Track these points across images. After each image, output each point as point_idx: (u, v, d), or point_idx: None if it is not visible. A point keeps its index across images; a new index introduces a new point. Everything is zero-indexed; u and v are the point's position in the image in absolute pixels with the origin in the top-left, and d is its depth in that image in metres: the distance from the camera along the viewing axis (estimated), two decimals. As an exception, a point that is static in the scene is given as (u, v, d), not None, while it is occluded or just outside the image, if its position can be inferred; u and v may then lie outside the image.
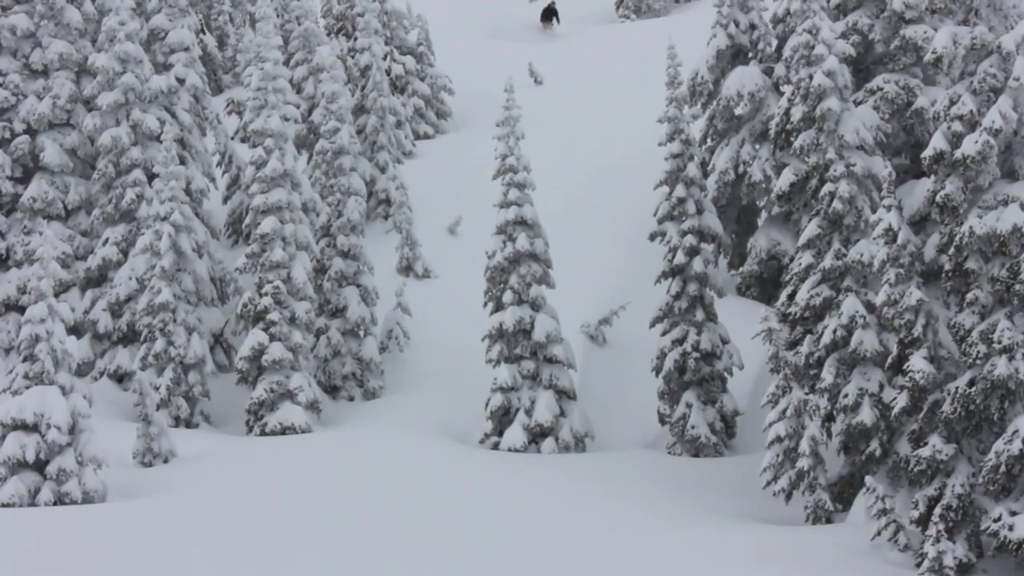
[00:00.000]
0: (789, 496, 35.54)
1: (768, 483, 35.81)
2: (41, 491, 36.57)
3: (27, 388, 37.16)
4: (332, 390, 49.50)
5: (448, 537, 32.19)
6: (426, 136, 68.07)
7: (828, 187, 37.20)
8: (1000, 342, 29.12)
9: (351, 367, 49.45)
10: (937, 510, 29.92)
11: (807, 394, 35.71)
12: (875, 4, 42.87)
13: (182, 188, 48.43)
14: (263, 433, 45.50)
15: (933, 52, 33.19)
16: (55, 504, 36.42)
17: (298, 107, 58.23)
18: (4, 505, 36.11)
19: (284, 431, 45.25)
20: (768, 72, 49.96)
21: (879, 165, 37.48)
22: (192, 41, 57.04)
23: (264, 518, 33.40)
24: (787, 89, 40.86)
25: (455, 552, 30.81)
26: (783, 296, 38.52)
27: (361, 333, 49.75)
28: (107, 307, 50.44)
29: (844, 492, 35.97)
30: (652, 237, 45.49)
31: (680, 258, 44.01)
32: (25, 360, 37.39)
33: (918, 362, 31.18)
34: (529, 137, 47.17)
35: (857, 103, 40.84)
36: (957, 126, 31.50)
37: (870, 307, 35.59)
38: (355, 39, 64.28)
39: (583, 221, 56.01)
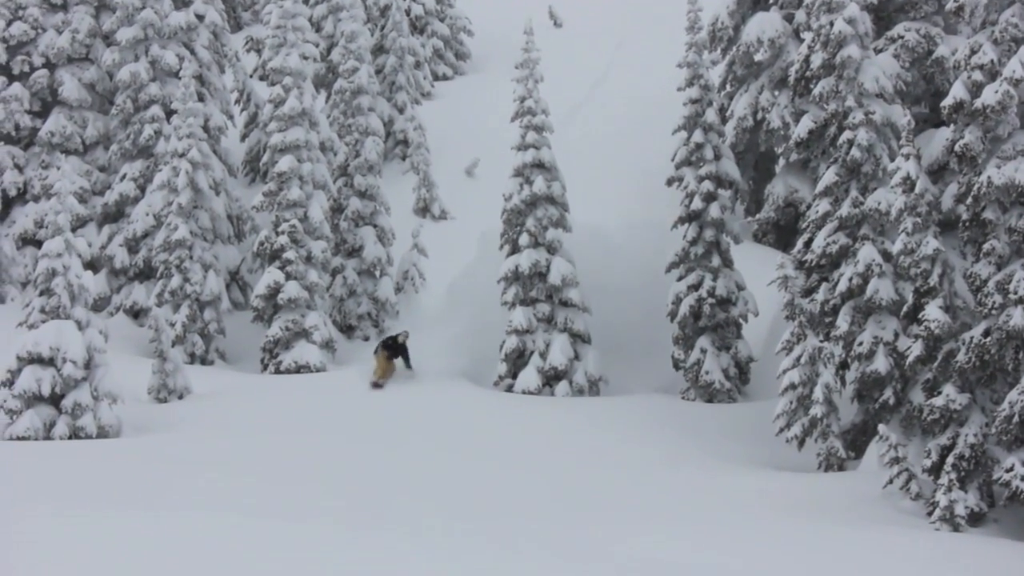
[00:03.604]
0: (802, 443, 35.58)
1: (781, 430, 35.85)
2: (56, 425, 36.72)
3: (43, 322, 37.26)
4: (347, 329, 49.59)
5: (457, 476, 32.26)
6: (444, 77, 67.93)
7: (846, 135, 37.06)
8: (1016, 292, 29.10)
9: (366, 307, 49.52)
10: (949, 459, 29.98)
11: (822, 342, 35.72)
12: (898, -49, 42.66)
13: (200, 125, 48.41)
14: (278, 371, 45.64)
15: (955, 0, 33.01)
16: (70, 438, 36.58)
17: (317, 46, 58.10)
18: (20, 438, 36.27)
19: (299, 369, 45.38)
20: (789, 18, 49.70)
21: (898, 113, 37.30)
22: (212, -22, 56.92)
23: (277, 455, 33.50)
24: (807, 36, 40.69)
25: (463, 490, 30.88)
26: (799, 243, 38.42)
27: (377, 273, 49.77)
28: (124, 243, 50.56)
29: (857, 440, 36.03)
30: (669, 182, 45.45)
31: (697, 204, 43.93)
32: (42, 294, 37.48)
33: (933, 311, 31.15)
34: (548, 80, 47.02)
35: (877, 51, 40.65)
36: (977, 75, 31.36)
37: (886, 256, 35.54)
38: (375, -22, 64.07)
39: (601, 165, 55.86)
